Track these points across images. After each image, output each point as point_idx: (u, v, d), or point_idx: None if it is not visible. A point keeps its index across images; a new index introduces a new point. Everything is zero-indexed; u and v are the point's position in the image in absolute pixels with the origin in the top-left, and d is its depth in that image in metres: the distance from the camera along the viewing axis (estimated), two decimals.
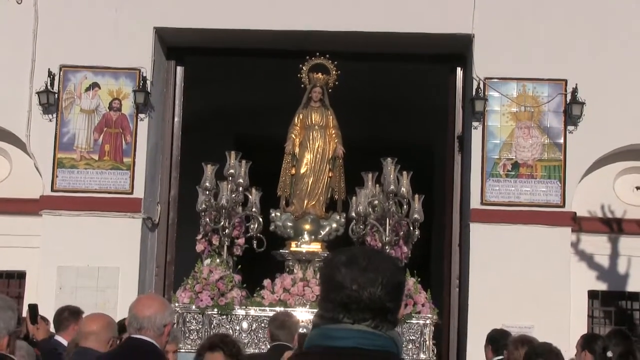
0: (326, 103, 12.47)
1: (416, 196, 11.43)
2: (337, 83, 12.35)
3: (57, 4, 12.52)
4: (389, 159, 11.41)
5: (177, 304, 11.07)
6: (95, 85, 12.41)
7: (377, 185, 11.54)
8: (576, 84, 12.06)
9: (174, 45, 13.05)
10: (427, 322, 11.07)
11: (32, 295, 11.80)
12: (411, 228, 11.42)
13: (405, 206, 11.36)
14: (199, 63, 13.54)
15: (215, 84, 14.93)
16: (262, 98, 15.24)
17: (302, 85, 12.41)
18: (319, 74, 12.39)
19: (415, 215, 11.37)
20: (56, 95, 12.32)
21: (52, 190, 12.27)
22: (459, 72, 13.08)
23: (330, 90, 12.44)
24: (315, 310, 2.92)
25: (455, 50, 12.82)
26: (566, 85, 12.21)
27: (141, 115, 12.39)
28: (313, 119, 12.41)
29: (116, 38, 12.39)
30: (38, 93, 12.25)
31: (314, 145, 12.35)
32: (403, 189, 11.32)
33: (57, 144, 12.30)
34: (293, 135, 12.41)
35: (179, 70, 13.24)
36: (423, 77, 14.02)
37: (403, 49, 12.91)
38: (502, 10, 12.37)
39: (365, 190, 11.42)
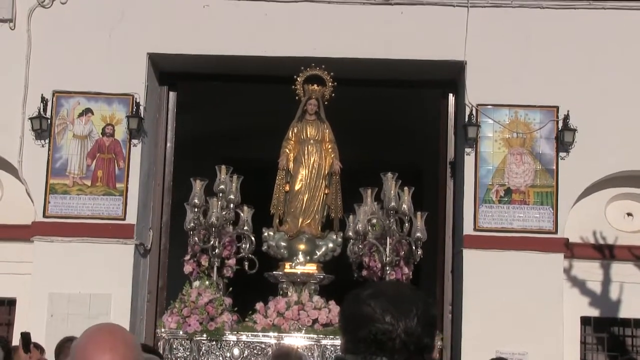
0: (322, 116, 12.06)
1: (418, 213, 10.97)
2: (333, 95, 12.02)
3: (50, 29, 12.51)
4: (389, 174, 10.96)
5: (163, 330, 10.75)
6: (88, 111, 12.37)
7: (376, 203, 11.08)
8: (568, 111, 12.12)
9: (167, 70, 13.05)
10: None
11: (23, 322, 11.68)
12: (413, 247, 10.92)
13: (406, 224, 10.90)
14: (191, 88, 13.54)
15: (207, 109, 14.94)
16: (255, 123, 15.23)
17: (297, 98, 12.11)
18: (315, 86, 12.01)
19: (418, 234, 10.88)
20: (49, 120, 12.26)
21: (44, 216, 12.19)
22: (451, 98, 13.12)
23: (326, 103, 12.12)
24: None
25: (447, 77, 12.87)
26: (558, 112, 12.27)
27: (134, 141, 12.35)
28: (308, 133, 11.97)
29: (109, 64, 12.37)
30: (31, 119, 12.19)
31: (309, 160, 11.89)
32: (404, 206, 10.85)
33: (49, 170, 12.24)
34: (287, 150, 11.97)
35: (172, 95, 13.24)
36: (415, 103, 14.05)
37: (395, 75, 12.94)
38: (494, 37, 12.44)
39: (365, 207, 10.92)
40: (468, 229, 12.15)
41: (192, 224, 11.05)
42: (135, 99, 12.32)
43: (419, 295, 2.52)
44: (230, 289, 11.37)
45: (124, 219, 12.19)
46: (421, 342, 2.42)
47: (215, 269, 11.13)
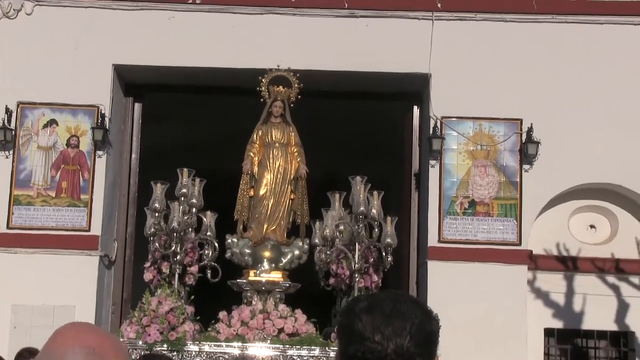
0: (288, 119, 11.75)
1: (388, 219, 10.49)
2: (299, 97, 11.75)
3: (15, 40, 12.45)
4: (357, 177, 10.50)
5: (122, 340, 10.20)
6: (53, 122, 12.32)
7: (344, 209, 10.66)
8: (531, 124, 12.23)
9: (133, 82, 13.03)
10: None
11: None
12: (383, 254, 10.47)
13: (376, 230, 10.45)
14: (157, 100, 13.51)
15: (173, 121, 14.92)
16: (221, 134, 15.21)
17: (262, 100, 11.81)
18: (280, 87, 11.68)
19: (388, 240, 10.35)
20: (13, 132, 12.20)
21: (8, 227, 12.11)
22: (416, 110, 13.21)
23: (292, 105, 11.85)
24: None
25: (412, 89, 12.95)
26: (521, 124, 12.38)
27: (99, 152, 12.31)
28: (273, 136, 11.61)
29: (75, 75, 12.34)
30: None
31: (274, 164, 11.53)
32: (374, 211, 10.32)
33: (13, 181, 12.18)
34: (251, 154, 11.59)
35: (137, 107, 13.22)
36: (380, 115, 14.11)
37: (360, 87, 13.00)
38: (459, 49, 12.54)
39: (332, 212, 10.46)
40: (432, 240, 12.22)
41: (152, 229, 10.55)
42: (101, 110, 12.29)
43: (418, 309, 2.42)
44: (192, 297, 10.98)
45: (88, 231, 12.14)
46: None
47: (176, 276, 10.69)
